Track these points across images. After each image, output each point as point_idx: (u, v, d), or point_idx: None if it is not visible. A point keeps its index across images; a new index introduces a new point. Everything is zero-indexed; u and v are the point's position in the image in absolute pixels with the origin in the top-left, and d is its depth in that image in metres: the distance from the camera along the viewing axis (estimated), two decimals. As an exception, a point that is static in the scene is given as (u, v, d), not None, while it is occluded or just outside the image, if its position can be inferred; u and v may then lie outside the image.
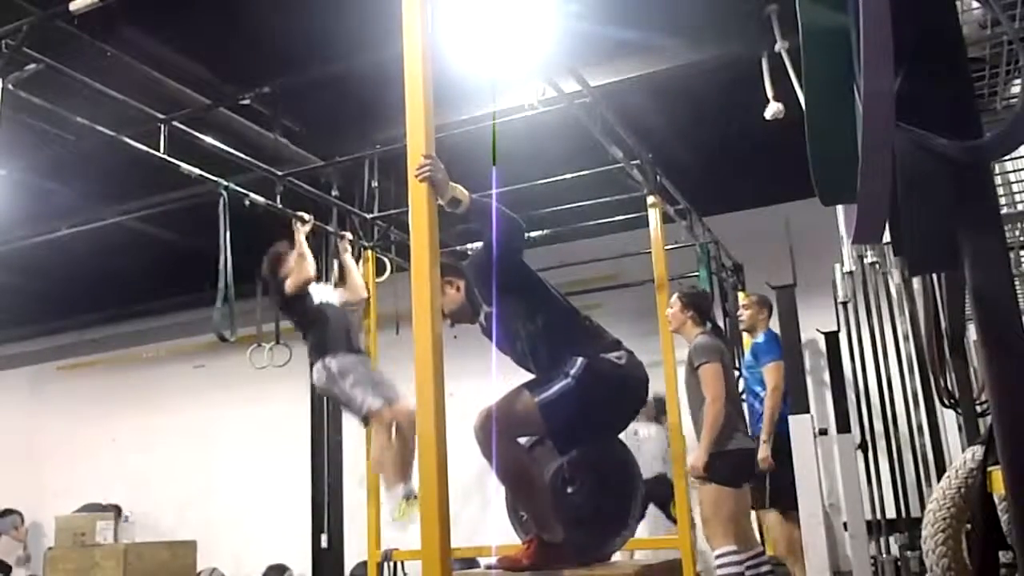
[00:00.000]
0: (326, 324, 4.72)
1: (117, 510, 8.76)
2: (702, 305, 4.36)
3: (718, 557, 3.90)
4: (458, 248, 5.90)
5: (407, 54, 2.54)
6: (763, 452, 5.07)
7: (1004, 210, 2.16)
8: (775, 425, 5.05)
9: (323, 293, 4.85)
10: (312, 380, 4.69)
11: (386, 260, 5.72)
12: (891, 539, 4.84)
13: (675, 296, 4.42)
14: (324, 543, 6.26)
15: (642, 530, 6.31)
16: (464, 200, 2.72)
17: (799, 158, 1.33)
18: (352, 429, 5.90)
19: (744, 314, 5.53)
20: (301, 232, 4.84)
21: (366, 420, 4.59)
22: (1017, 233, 2.30)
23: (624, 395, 3.01)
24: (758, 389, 5.36)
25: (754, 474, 4.34)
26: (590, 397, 2.85)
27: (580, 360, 2.87)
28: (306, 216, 4.90)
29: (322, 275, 6.03)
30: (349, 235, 5.36)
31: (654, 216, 4.93)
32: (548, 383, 2.87)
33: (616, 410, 3.06)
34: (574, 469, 3.29)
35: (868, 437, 5.03)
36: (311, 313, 4.73)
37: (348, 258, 5.24)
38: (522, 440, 3.08)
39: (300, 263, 4.77)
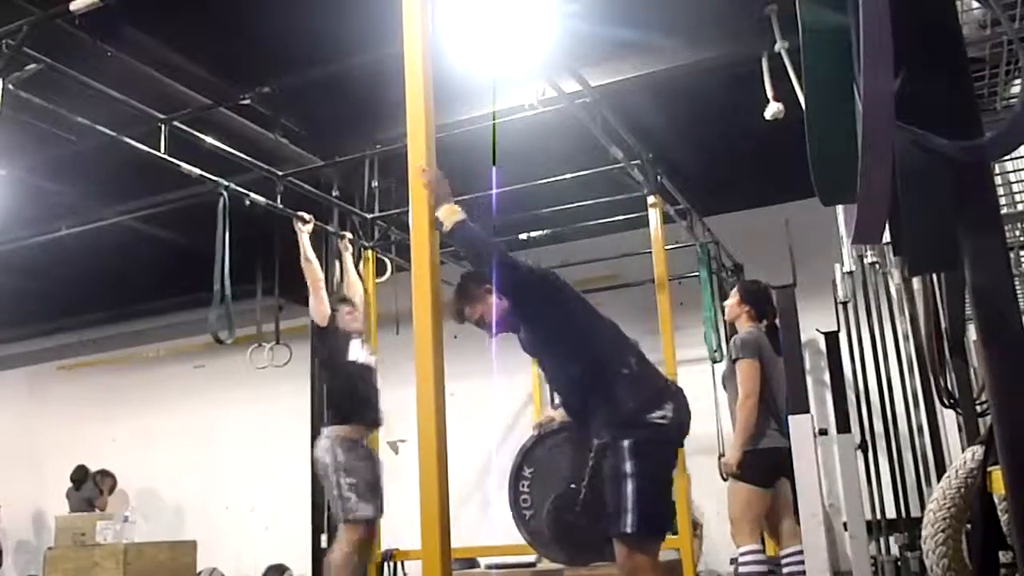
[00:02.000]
0: (351, 387, 4.58)
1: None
2: (760, 301, 4.33)
3: (742, 555, 3.88)
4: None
5: (407, 54, 2.55)
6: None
7: (1004, 210, 2.16)
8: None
9: (356, 350, 4.66)
10: (313, 448, 4.55)
11: (386, 260, 5.72)
12: (891, 539, 4.85)
13: (736, 287, 4.46)
14: (324, 543, 6.24)
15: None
16: (445, 224, 2.54)
17: (799, 158, 1.33)
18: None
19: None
20: (304, 233, 4.82)
21: (346, 521, 4.40)
22: (1017, 233, 2.30)
23: (674, 447, 2.92)
24: None
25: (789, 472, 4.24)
26: (652, 472, 2.70)
27: (625, 450, 2.66)
28: (307, 216, 4.88)
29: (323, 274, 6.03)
30: (349, 235, 5.36)
31: (654, 216, 4.94)
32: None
33: (673, 455, 2.96)
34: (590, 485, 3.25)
35: (868, 437, 5.04)
36: (339, 366, 4.60)
37: (347, 257, 5.23)
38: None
39: (307, 267, 4.71)
